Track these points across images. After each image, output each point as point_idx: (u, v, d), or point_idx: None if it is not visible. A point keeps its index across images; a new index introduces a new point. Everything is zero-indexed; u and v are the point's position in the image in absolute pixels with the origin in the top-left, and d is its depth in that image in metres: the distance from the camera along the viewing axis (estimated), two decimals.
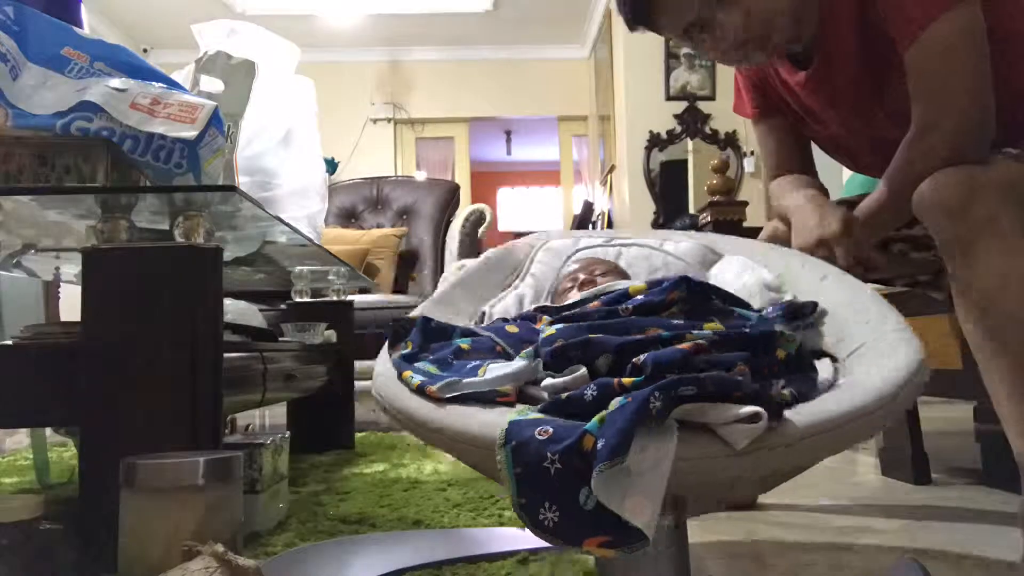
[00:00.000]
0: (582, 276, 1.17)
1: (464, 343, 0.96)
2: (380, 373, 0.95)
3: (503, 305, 1.19)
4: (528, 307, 1.18)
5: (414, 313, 1.08)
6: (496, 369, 0.85)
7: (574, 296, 1.13)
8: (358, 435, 2.32)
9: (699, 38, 1.17)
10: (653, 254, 1.31)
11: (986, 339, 1.01)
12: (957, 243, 1.01)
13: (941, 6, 1.05)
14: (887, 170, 1.15)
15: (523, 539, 1.13)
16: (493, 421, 0.75)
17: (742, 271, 1.17)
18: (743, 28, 1.13)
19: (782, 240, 1.30)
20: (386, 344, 1.01)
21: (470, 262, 1.32)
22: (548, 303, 1.20)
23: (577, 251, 1.31)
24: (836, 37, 1.17)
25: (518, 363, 0.86)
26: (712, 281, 1.20)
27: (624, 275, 1.21)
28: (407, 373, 0.89)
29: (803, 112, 1.33)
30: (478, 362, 0.89)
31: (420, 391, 0.84)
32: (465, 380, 0.83)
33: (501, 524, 1.26)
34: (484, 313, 1.17)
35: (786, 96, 1.33)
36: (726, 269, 1.22)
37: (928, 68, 1.08)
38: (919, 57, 1.08)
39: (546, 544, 1.07)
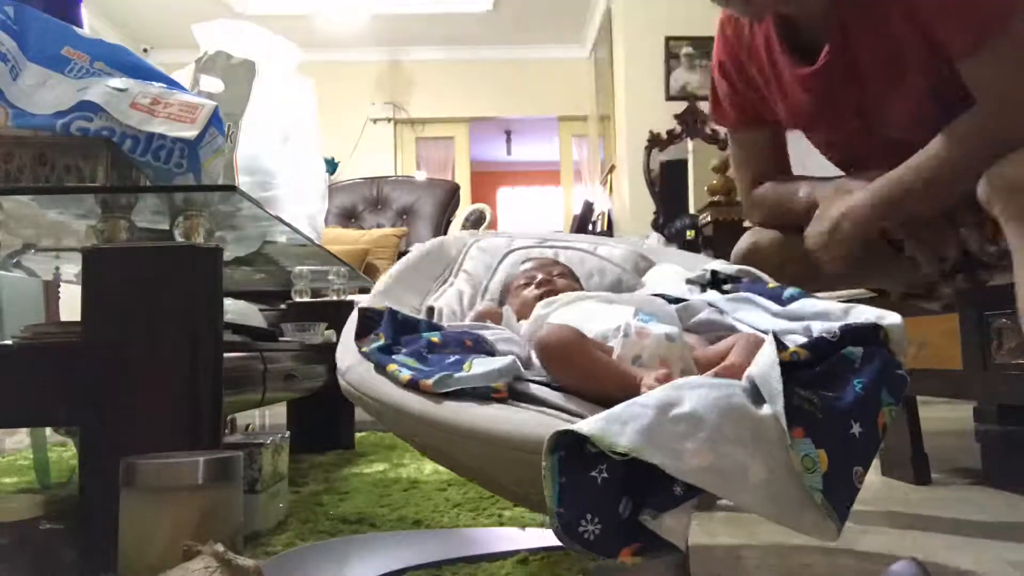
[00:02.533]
0: (539, 276, 1.17)
1: (434, 336, 0.96)
2: (352, 365, 0.95)
3: (445, 300, 1.20)
4: (467, 302, 1.20)
5: (362, 305, 1.08)
6: (482, 364, 0.85)
7: (530, 293, 1.13)
8: (358, 435, 2.32)
9: None
10: (588, 258, 1.32)
11: None
12: None
13: (1001, 20, 1.01)
14: (936, 143, 1.09)
15: (523, 539, 1.13)
16: (504, 417, 0.76)
17: (679, 280, 1.17)
18: None
19: (764, 250, 1.28)
20: (348, 336, 1.00)
21: (406, 256, 1.34)
22: (490, 300, 1.22)
23: (512, 250, 1.32)
24: (857, 30, 1.12)
25: (505, 359, 0.86)
26: (648, 287, 1.21)
27: (578, 280, 1.22)
28: (392, 367, 0.88)
29: (797, 116, 1.28)
30: (459, 356, 0.89)
31: (412, 385, 0.84)
32: (456, 375, 0.83)
33: (501, 524, 1.26)
34: (432, 308, 1.17)
35: (777, 97, 1.28)
36: (661, 277, 1.22)
37: (999, 77, 1.04)
38: (981, 68, 1.04)
39: (546, 544, 1.08)
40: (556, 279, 1.17)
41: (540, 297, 1.11)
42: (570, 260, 1.30)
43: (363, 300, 1.13)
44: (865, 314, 0.83)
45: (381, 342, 0.95)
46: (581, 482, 0.66)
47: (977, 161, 1.04)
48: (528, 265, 1.24)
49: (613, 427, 0.66)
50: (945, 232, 1.18)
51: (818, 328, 0.84)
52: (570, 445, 0.67)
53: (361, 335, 1.00)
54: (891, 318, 0.80)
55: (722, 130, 5.02)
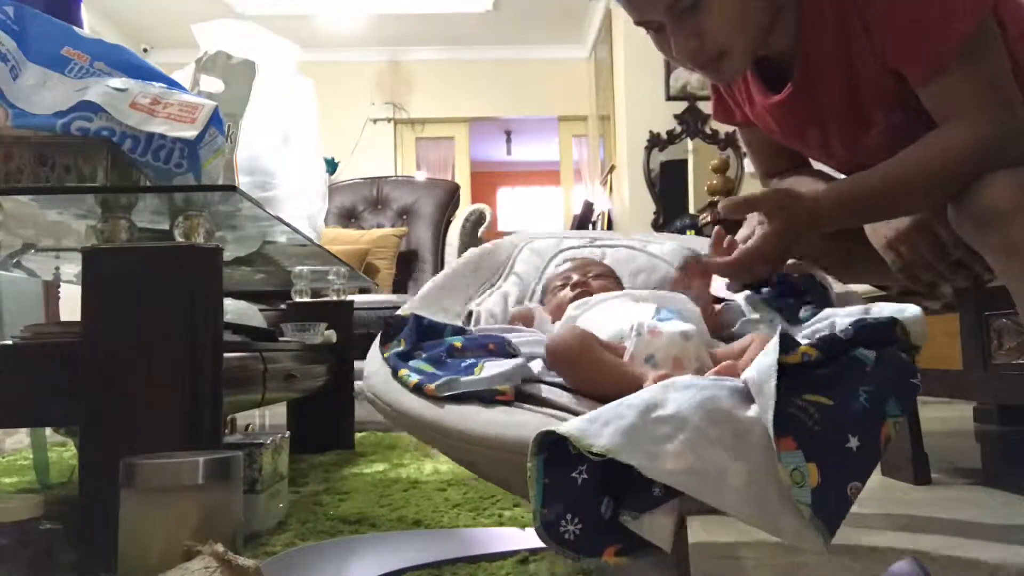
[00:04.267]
0: (575, 277, 1.16)
1: (457, 341, 0.96)
2: (373, 372, 0.95)
3: (489, 304, 1.19)
4: (512, 306, 1.19)
5: (402, 311, 1.08)
6: (492, 367, 0.85)
7: (565, 295, 1.12)
8: (358, 435, 2.32)
9: (656, 38, 1.10)
10: (637, 255, 1.30)
11: None
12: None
13: (955, 43, 0.98)
14: (894, 159, 1.04)
15: (523, 539, 1.13)
16: (498, 420, 0.76)
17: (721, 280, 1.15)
18: (698, 50, 1.05)
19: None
20: (377, 342, 1.01)
21: (453, 262, 1.32)
22: (538, 301, 1.20)
23: (561, 251, 1.31)
24: (819, 65, 1.10)
25: (513, 361, 0.86)
26: None
27: (617, 279, 1.20)
28: (403, 371, 0.89)
29: (773, 135, 1.27)
30: (473, 360, 0.89)
31: (418, 389, 0.85)
32: (462, 379, 0.83)
33: (501, 524, 1.26)
34: (472, 312, 1.17)
35: (753, 116, 1.27)
36: None
37: (955, 96, 1.01)
38: (941, 93, 1.01)
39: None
40: (592, 280, 1.14)
41: (575, 298, 1.09)
42: (618, 258, 1.27)
43: (404, 306, 1.13)
44: (885, 310, 0.81)
45: (401, 348, 0.96)
46: (563, 483, 0.66)
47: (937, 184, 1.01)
48: (566, 266, 1.23)
49: (593, 428, 0.66)
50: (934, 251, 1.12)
51: (842, 323, 0.82)
52: (554, 446, 0.67)
53: (386, 341, 1.00)
54: (910, 310, 0.78)
55: (722, 130, 5.05)
